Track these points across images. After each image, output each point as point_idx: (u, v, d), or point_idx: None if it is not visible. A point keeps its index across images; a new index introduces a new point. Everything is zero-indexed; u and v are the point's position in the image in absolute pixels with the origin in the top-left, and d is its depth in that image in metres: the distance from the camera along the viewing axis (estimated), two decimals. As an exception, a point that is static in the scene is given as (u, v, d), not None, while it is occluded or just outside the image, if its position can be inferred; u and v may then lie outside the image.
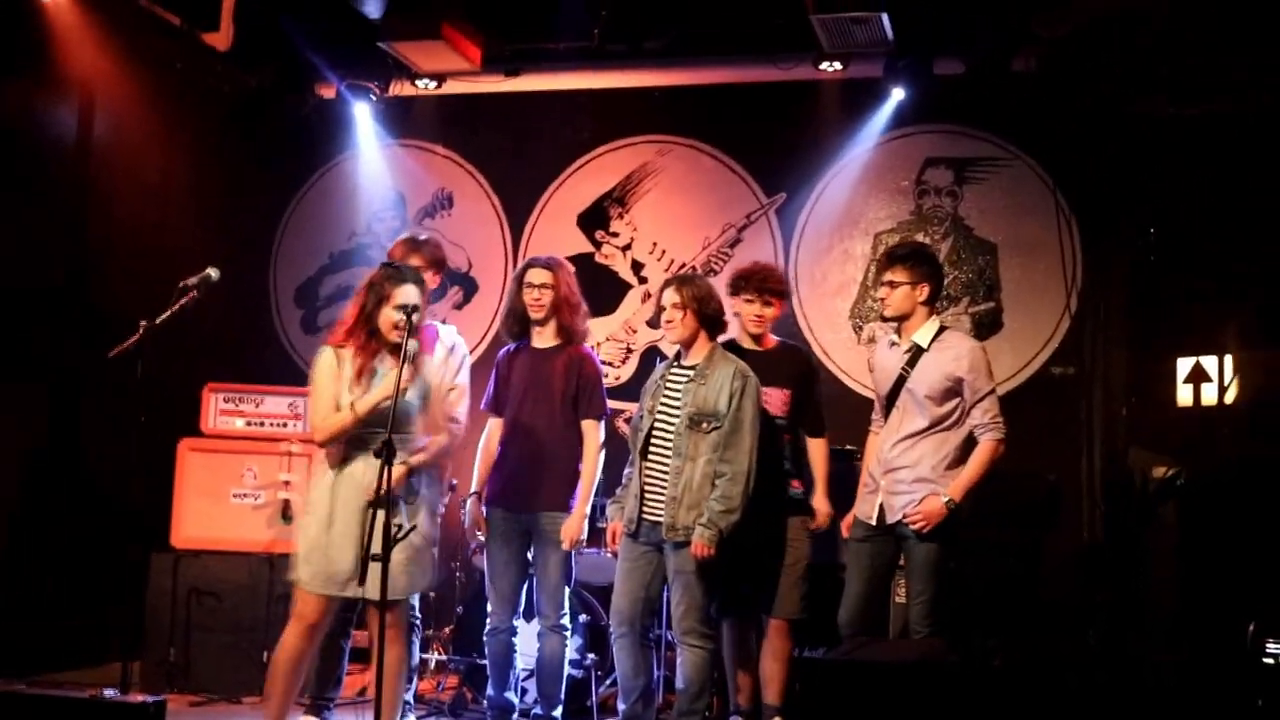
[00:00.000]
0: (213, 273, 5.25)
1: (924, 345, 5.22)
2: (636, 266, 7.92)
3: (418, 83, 7.86)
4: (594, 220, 8.02)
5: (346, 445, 4.80)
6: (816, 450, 5.56)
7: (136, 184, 7.55)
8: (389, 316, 4.78)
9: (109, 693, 4.75)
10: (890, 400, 5.26)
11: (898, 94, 7.30)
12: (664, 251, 7.89)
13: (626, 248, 7.96)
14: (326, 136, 8.21)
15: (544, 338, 5.59)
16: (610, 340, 7.85)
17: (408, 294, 4.80)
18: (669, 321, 5.22)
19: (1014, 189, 7.42)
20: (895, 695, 3.48)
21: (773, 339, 5.66)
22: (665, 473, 5.16)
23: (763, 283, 5.51)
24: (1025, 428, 6.66)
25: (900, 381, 5.21)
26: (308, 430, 6.44)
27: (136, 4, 7.00)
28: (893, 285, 5.25)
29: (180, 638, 6.40)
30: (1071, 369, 7.13)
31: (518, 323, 5.63)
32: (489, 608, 5.55)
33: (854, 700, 3.49)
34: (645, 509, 5.19)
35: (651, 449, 5.21)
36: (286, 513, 6.40)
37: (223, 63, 7.58)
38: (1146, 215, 6.52)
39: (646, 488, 5.20)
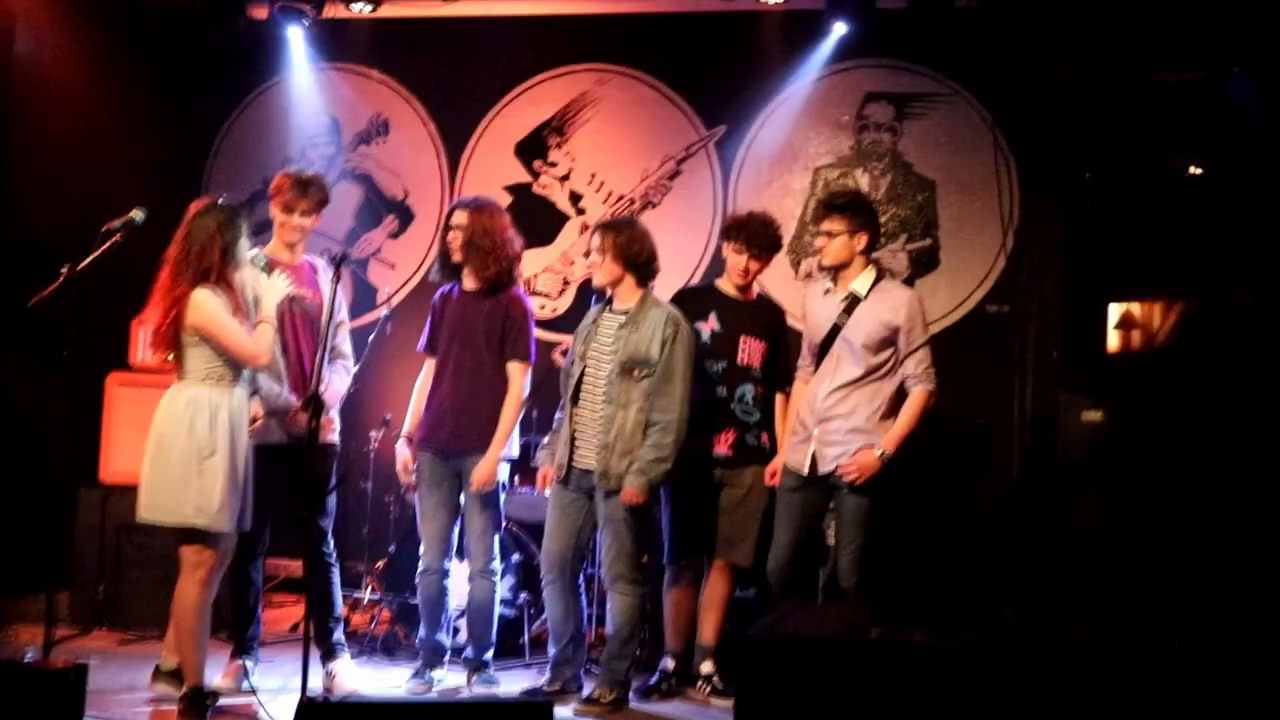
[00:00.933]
0: (137, 215, 5.13)
1: (861, 294, 5.21)
2: (575, 197, 7.84)
3: (352, 6, 7.67)
4: (532, 149, 7.90)
5: (220, 381, 4.87)
6: (780, 405, 5.55)
7: (61, 108, 7.32)
8: (244, 248, 4.97)
9: (28, 656, 4.72)
10: (823, 349, 5.25)
11: (840, 28, 7.21)
12: (602, 183, 7.81)
13: (565, 178, 7.86)
14: (258, 59, 7.99)
15: (471, 280, 5.53)
16: (547, 271, 7.79)
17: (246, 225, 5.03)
18: (593, 264, 5.22)
19: (954, 126, 7.37)
20: (818, 672, 3.54)
21: (754, 290, 5.63)
22: (596, 419, 5.14)
23: (754, 235, 5.47)
24: (959, 366, 6.73)
25: (835, 330, 5.21)
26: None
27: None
28: (830, 235, 5.23)
29: (109, 573, 6.37)
30: (1006, 307, 7.16)
31: (446, 264, 5.57)
32: (420, 549, 5.55)
33: (778, 677, 3.55)
34: (575, 456, 5.19)
35: (582, 396, 5.20)
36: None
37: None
38: (1084, 157, 6.49)
39: (577, 434, 5.20)
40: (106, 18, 7.38)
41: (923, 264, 7.36)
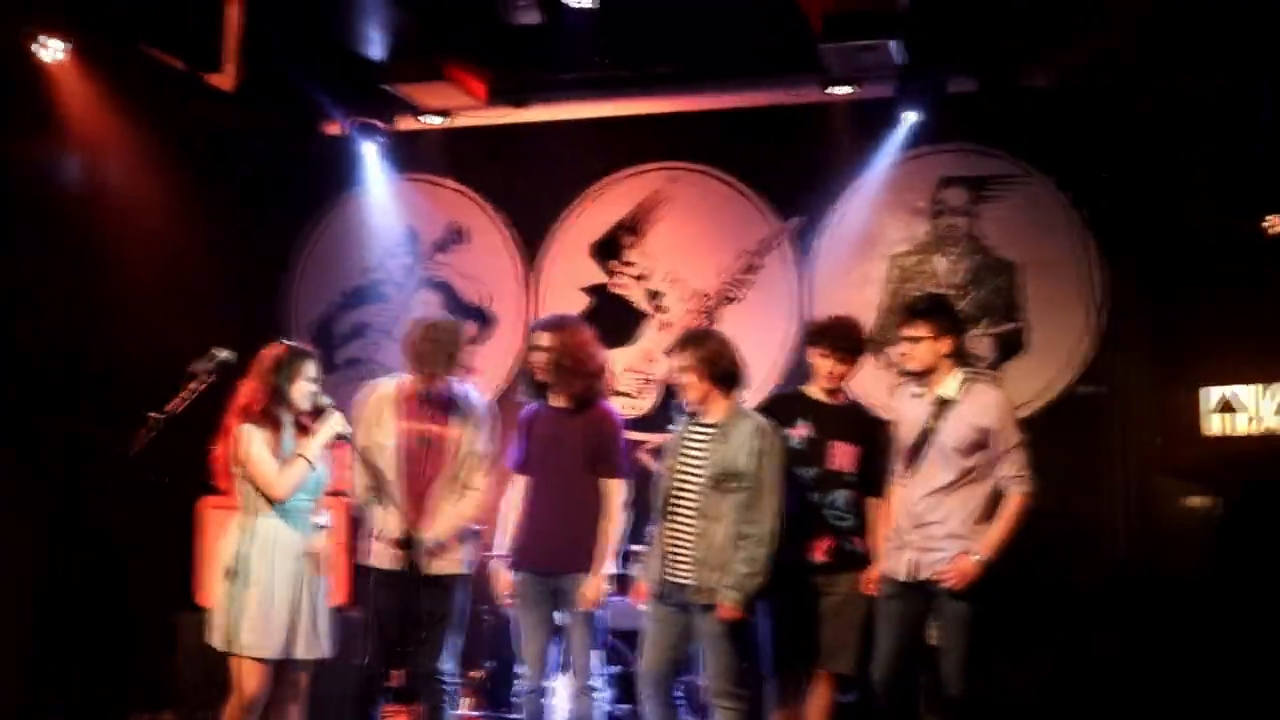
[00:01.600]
0: (220, 354, 5.18)
1: (951, 397, 5.15)
2: (653, 295, 7.85)
3: (423, 118, 7.79)
4: (608, 250, 7.94)
5: (258, 513, 5.08)
6: (875, 511, 5.46)
7: (145, 233, 7.45)
8: (301, 389, 5.15)
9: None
10: (915, 453, 5.19)
11: (910, 115, 7.20)
12: (680, 280, 7.81)
13: (642, 277, 7.88)
14: (335, 175, 8.14)
15: (559, 398, 5.53)
16: (629, 371, 7.78)
17: (313, 369, 5.21)
18: (681, 385, 5.18)
19: (1031, 207, 7.29)
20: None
21: (845, 394, 5.58)
22: (689, 533, 5.10)
23: (838, 339, 5.43)
24: (1051, 452, 6.62)
25: (925, 434, 5.14)
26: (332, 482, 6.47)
27: (137, 51, 6.94)
28: (914, 340, 5.18)
29: (215, 697, 6.33)
30: (1103, 388, 7.00)
31: (531, 383, 5.57)
32: (518, 669, 5.51)
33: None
34: (668, 570, 5.13)
35: (673, 509, 5.15)
36: (318, 566, 6.34)
37: (227, 104, 7.53)
38: (1170, 237, 6.39)
39: (669, 549, 5.14)
40: (188, 141, 7.54)
41: (1008, 348, 7.26)
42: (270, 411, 5.12)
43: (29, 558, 6.85)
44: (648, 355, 7.77)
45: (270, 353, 5.19)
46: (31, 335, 6.85)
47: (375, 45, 7.05)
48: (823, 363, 5.43)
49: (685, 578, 5.08)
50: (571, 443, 5.44)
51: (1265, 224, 6.21)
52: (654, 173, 7.91)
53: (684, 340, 5.28)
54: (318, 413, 5.19)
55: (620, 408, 7.37)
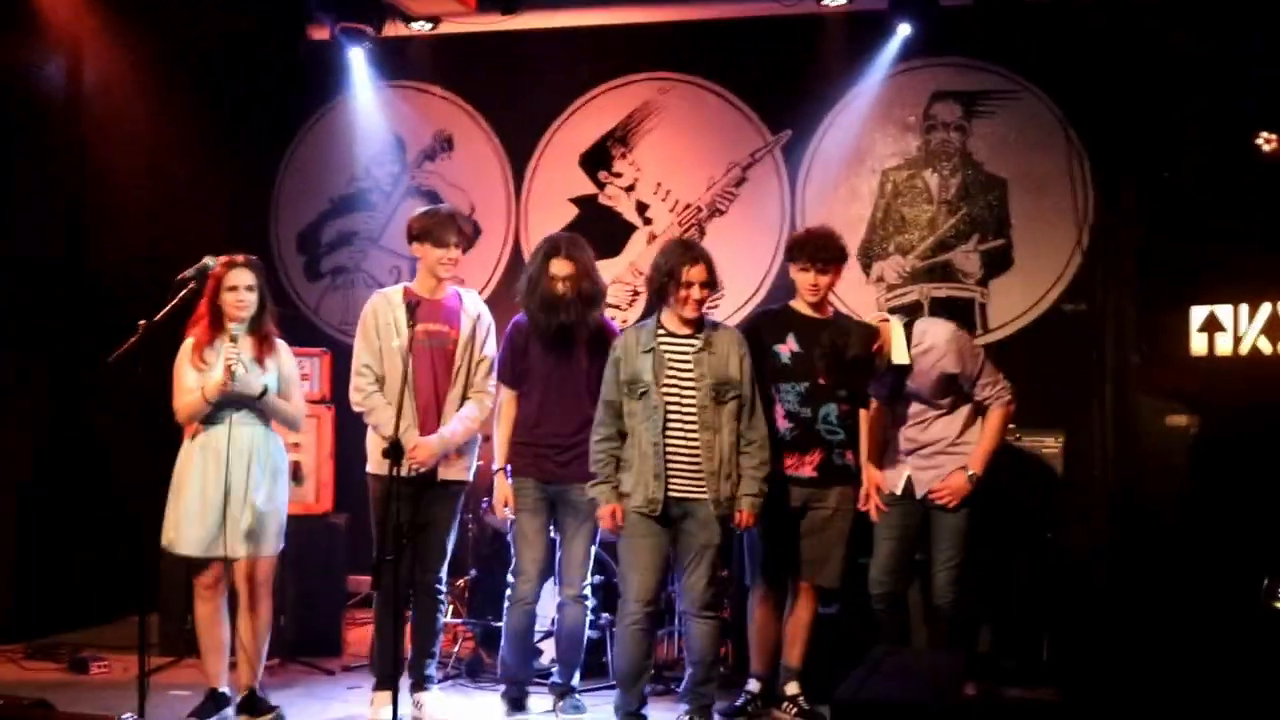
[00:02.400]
0: (209, 261, 5.16)
1: (906, 361, 5.21)
2: (641, 207, 7.82)
3: (412, 24, 7.69)
4: (597, 160, 7.89)
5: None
6: (863, 421, 5.49)
7: (129, 139, 7.43)
8: (227, 300, 5.20)
9: (126, 717, 4.84)
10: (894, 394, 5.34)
11: (904, 28, 7.13)
12: (669, 191, 7.78)
13: (630, 188, 7.84)
14: (320, 80, 8.06)
15: (568, 315, 5.39)
16: (616, 283, 7.75)
17: (239, 277, 5.21)
18: (697, 297, 5.08)
19: (1024, 123, 7.28)
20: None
21: (831, 307, 5.58)
22: (690, 447, 5.06)
23: (817, 250, 5.39)
24: (1036, 367, 6.70)
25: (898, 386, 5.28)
26: (313, 391, 6.49)
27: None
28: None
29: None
30: (1083, 305, 7.05)
31: (548, 306, 5.38)
32: (514, 578, 5.50)
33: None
34: (669, 486, 5.08)
35: (668, 425, 5.09)
36: (297, 474, 6.38)
37: (212, 6, 7.43)
38: (1160, 155, 6.36)
39: (669, 464, 5.08)
40: (167, 46, 7.45)
41: (996, 264, 7.27)
42: (207, 323, 5.22)
43: (22, 463, 6.89)
44: (634, 268, 7.75)
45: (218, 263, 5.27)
46: (20, 241, 6.80)
47: (363, -52, 6.94)
48: (804, 276, 5.41)
49: (692, 491, 5.06)
50: (579, 358, 5.40)
51: (1260, 141, 6.17)
52: (644, 83, 7.84)
53: (697, 251, 5.17)
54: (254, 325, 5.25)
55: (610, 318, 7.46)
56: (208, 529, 5.18)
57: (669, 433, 5.08)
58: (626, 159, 7.85)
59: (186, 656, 6.30)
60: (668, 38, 7.74)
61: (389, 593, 5.18)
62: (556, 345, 5.42)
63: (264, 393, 5.26)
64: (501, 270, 7.93)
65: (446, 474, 5.44)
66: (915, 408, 5.29)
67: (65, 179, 7.18)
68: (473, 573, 6.46)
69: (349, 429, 6.12)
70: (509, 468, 5.53)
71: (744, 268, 7.49)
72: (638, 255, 7.75)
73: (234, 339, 5.17)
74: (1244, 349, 5.99)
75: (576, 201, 7.88)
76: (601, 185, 7.87)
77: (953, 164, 7.41)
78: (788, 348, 5.39)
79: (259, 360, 5.27)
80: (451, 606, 6.58)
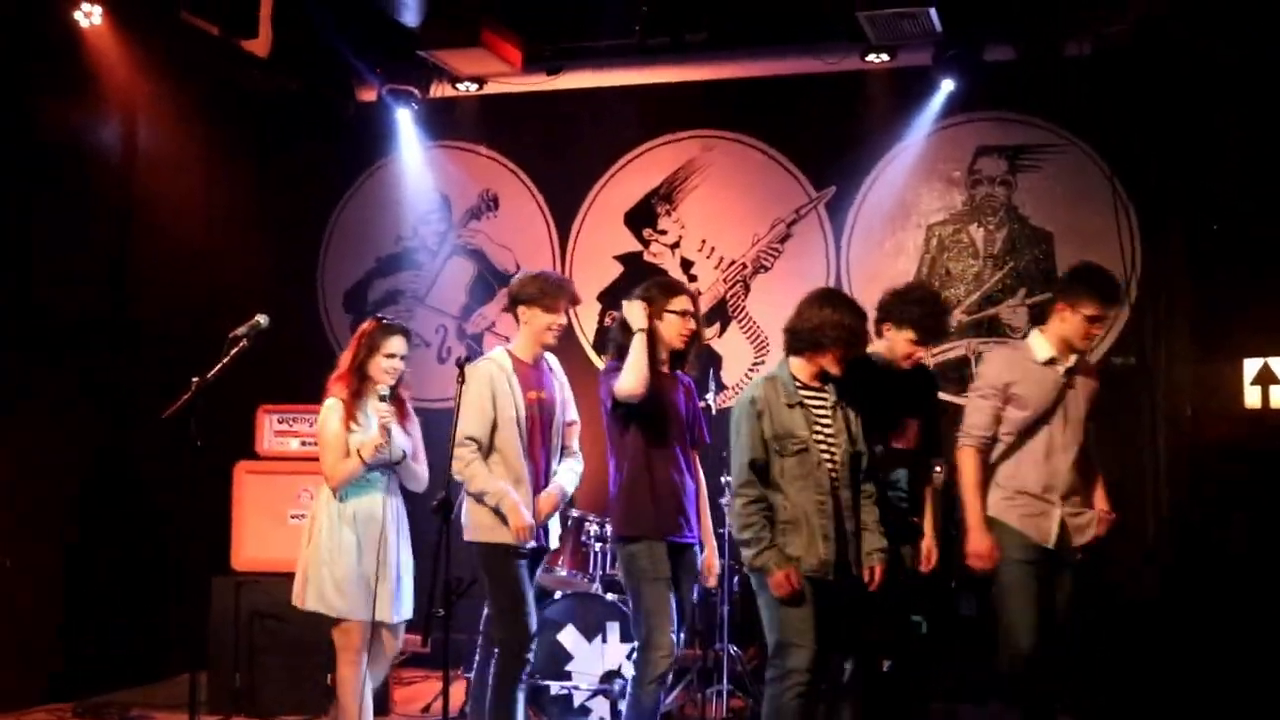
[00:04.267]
0: (261, 320, 5.16)
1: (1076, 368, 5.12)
2: (686, 264, 7.83)
3: (459, 85, 7.78)
4: (641, 218, 7.93)
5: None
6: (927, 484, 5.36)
7: (180, 196, 7.55)
8: (379, 365, 5.24)
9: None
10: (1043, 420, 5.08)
11: (948, 84, 7.15)
12: (713, 249, 7.80)
13: (675, 245, 7.87)
14: (369, 140, 8.16)
15: (665, 364, 5.23)
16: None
17: (396, 344, 5.27)
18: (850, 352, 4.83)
19: (1069, 176, 7.26)
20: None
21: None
22: (849, 506, 4.83)
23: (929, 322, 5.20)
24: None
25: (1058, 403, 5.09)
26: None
27: (174, 17, 6.95)
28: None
29: (244, 660, 6.43)
30: (1132, 359, 6.98)
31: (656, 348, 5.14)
32: (652, 653, 5.00)
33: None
34: (839, 548, 4.79)
35: (831, 484, 4.79)
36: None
37: (262, 69, 7.54)
38: (1209, 207, 6.32)
39: (840, 525, 4.79)
40: (223, 106, 7.58)
41: (1043, 318, 7.17)
42: (353, 385, 5.26)
43: (69, 521, 6.93)
44: (680, 324, 7.73)
45: (362, 327, 5.36)
46: (66, 295, 6.90)
47: (410, 11, 7.03)
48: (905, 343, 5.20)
49: (852, 551, 4.82)
50: (678, 410, 5.20)
51: None
52: (688, 140, 7.88)
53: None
54: (392, 392, 5.24)
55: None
56: (368, 592, 5.18)
57: (831, 492, 4.80)
58: (671, 216, 7.88)
59: (235, 715, 6.31)
60: (711, 96, 7.79)
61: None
62: (668, 397, 5.18)
63: (403, 456, 5.29)
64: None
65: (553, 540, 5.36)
66: (1071, 447, 5.05)
67: (114, 236, 7.29)
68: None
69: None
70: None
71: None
72: (682, 311, 7.74)
73: (383, 398, 5.18)
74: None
75: (621, 259, 7.91)
76: (646, 243, 7.90)
77: (998, 218, 7.40)
78: None
79: (402, 424, 5.32)
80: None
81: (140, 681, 6.92)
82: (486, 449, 5.12)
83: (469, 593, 5.11)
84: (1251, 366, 6.04)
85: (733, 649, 6.13)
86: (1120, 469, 6.49)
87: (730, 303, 7.74)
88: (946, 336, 5.38)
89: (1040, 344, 5.12)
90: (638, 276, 7.70)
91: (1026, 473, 5.03)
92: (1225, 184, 6.33)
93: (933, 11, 6.44)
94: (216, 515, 6.56)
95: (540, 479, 5.21)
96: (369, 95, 7.89)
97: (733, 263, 7.74)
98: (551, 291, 5.22)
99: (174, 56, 7.12)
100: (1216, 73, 6.32)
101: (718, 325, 7.72)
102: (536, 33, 7.43)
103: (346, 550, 5.22)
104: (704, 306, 7.54)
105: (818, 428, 4.82)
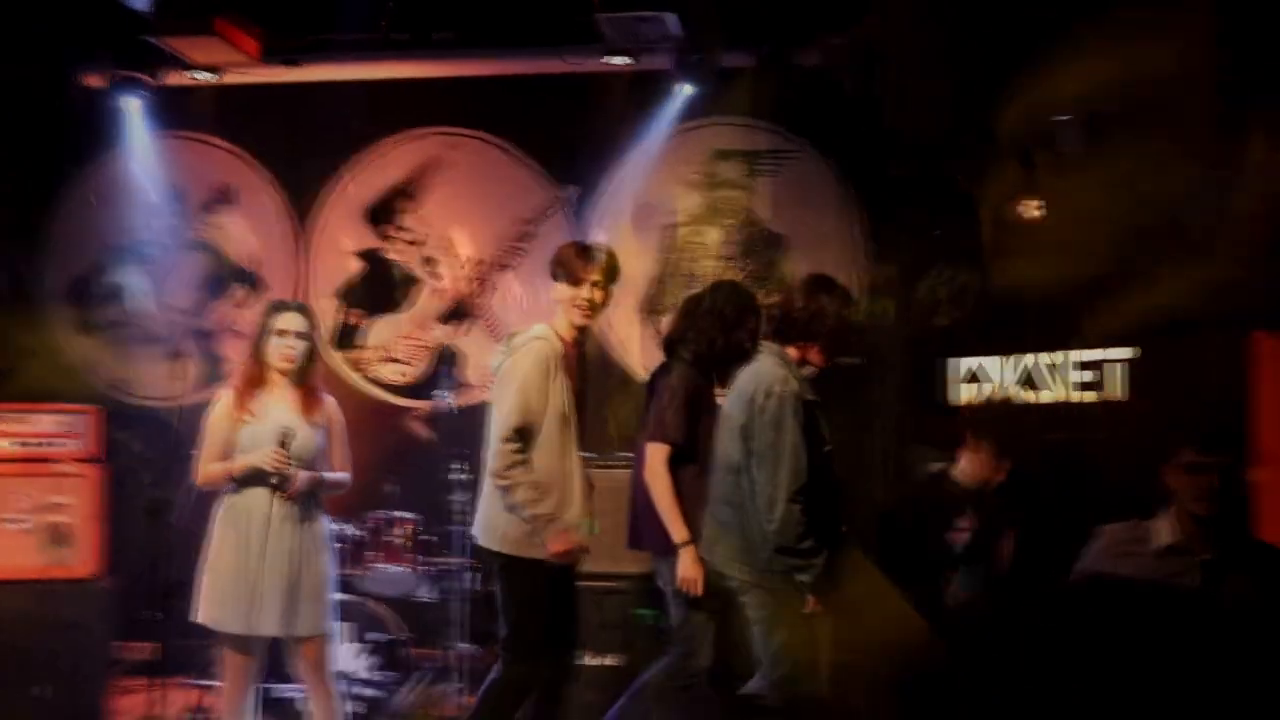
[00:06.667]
0: None
1: None
2: (427, 261, 7.78)
3: (194, 74, 7.52)
4: (382, 215, 7.83)
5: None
6: None
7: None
8: (272, 346, 4.83)
9: None
10: None
11: (687, 88, 7.29)
12: (457, 246, 7.77)
13: (416, 242, 7.80)
14: (97, 129, 7.74)
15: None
16: (403, 337, 7.70)
17: (286, 320, 4.85)
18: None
19: (803, 182, 7.51)
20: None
21: None
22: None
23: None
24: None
25: None
26: (81, 449, 6.15)
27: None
28: None
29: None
30: (857, 359, 7.24)
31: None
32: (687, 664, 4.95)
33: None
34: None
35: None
36: (57, 537, 6.07)
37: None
38: (930, 215, 6.66)
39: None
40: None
41: (776, 319, 7.44)
42: (249, 372, 4.87)
43: None
44: (421, 322, 7.70)
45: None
46: None
47: (140, -2, 6.77)
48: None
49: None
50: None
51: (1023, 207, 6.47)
52: (432, 138, 7.82)
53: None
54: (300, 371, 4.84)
55: (397, 374, 7.46)
56: (251, 602, 4.70)
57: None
58: (413, 213, 7.81)
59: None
60: (455, 94, 7.74)
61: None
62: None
63: (320, 483, 4.84)
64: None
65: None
66: None
67: None
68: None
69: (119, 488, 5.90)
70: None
71: (531, 321, 7.48)
72: (424, 310, 7.70)
73: (284, 443, 4.69)
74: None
75: (360, 255, 7.80)
76: (389, 240, 7.81)
77: (734, 221, 7.59)
78: None
79: (307, 417, 4.84)
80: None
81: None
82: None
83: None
84: (961, 366, 6.37)
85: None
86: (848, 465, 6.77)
87: (473, 301, 7.72)
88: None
89: None
90: (378, 274, 7.69)
91: None
92: (948, 193, 6.63)
93: (670, 17, 6.57)
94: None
95: (579, 482, 4.66)
96: (96, 81, 7.54)
97: (479, 261, 7.72)
98: (568, 261, 4.73)
99: None
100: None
101: (461, 323, 7.70)
102: (277, 24, 7.24)
103: (227, 551, 4.77)
104: (446, 305, 7.55)
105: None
